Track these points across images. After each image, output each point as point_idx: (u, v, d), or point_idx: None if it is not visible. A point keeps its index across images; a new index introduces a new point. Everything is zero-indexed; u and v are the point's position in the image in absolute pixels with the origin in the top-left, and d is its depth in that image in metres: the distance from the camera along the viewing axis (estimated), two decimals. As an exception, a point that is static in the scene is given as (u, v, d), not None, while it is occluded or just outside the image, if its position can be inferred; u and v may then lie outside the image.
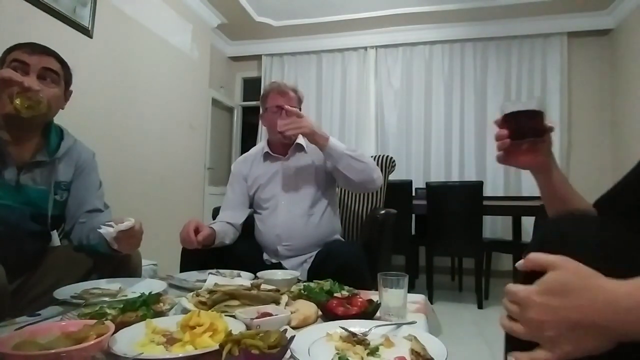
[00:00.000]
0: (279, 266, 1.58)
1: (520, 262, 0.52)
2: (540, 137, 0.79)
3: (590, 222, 0.56)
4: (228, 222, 1.64)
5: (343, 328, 0.84)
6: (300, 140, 1.70)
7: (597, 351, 0.44)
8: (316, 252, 1.59)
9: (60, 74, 1.25)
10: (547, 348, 0.46)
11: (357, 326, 0.86)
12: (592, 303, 0.44)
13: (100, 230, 1.13)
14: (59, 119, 1.34)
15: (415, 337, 0.78)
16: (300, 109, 1.64)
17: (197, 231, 1.42)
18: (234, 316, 0.90)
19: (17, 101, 1.08)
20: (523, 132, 0.80)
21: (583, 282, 0.46)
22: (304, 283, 1.21)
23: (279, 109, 1.61)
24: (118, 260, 1.26)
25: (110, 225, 1.13)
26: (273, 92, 1.67)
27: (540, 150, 0.82)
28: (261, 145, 1.78)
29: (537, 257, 0.49)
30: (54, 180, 1.26)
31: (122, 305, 0.90)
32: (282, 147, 1.71)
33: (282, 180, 1.68)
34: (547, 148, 0.83)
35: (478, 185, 3.14)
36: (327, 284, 1.14)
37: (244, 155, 1.85)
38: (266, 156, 1.74)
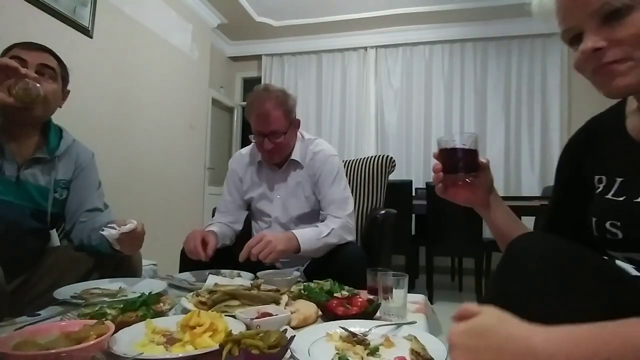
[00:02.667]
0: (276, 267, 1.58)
1: (457, 312, 0.53)
2: (472, 173, 0.81)
3: (546, 237, 0.57)
4: (226, 225, 1.63)
5: (343, 328, 0.84)
6: (296, 155, 1.59)
7: None
8: None
9: (57, 71, 1.26)
10: None
11: (357, 326, 0.86)
12: (507, 346, 0.45)
13: (103, 233, 1.13)
14: (59, 118, 1.35)
15: (415, 337, 0.78)
16: (295, 115, 1.56)
17: (203, 242, 1.40)
18: (234, 316, 0.90)
19: (16, 89, 1.08)
20: (455, 168, 0.81)
21: (502, 325, 0.46)
22: (304, 283, 1.21)
23: (260, 134, 1.50)
24: (118, 260, 1.26)
25: (113, 227, 1.13)
26: (253, 115, 1.50)
27: (478, 187, 0.83)
28: (256, 150, 1.66)
29: (469, 306, 0.51)
30: (53, 178, 1.27)
31: (122, 305, 0.90)
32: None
33: (276, 197, 1.62)
34: (486, 184, 0.84)
35: (478, 185, 3.14)
36: (327, 284, 1.14)
37: (240, 152, 1.75)
38: (261, 165, 1.65)
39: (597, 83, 0.62)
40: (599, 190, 0.72)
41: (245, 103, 5.65)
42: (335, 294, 1.05)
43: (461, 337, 0.49)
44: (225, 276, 1.31)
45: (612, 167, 0.72)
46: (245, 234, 1.70)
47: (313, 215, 1.60)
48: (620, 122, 0.73)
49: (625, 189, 0.68)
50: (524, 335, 0.44)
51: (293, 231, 1.44)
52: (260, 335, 0.68)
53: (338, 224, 1.48)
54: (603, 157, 0.74)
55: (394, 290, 1.00)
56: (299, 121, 1.61)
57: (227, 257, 1.52)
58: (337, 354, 0.73)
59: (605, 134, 0.75)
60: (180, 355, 0.71)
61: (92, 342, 0.67)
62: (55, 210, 1.29)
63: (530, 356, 0.43)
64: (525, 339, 0.44)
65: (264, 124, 1.48)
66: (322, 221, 1.53)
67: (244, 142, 5.32)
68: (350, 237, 1.52)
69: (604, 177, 0.72)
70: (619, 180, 0.70)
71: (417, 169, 4.57)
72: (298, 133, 1.64)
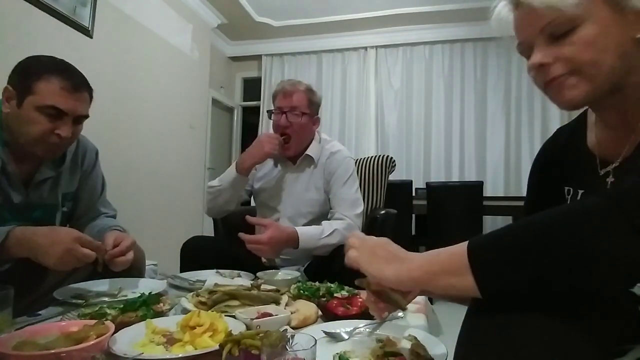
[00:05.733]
0: (276, 267, 1.58)
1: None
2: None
3: None
4: None
5: (325, 332, 0.84)
6: (312, 151, 1.61)
7: (389, 275, 0.61)
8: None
9: (88, 114, 1.17)
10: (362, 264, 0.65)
11: (341, 327, 0.85)
12: (397, 247, 0.66)
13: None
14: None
15: (415, 337, 0.78)
16: (317, 111, 1.60)
17: None
18: (234, 316, 0.89)
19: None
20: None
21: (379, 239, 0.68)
22: (304, 283, 1.21)
23: (279, 110, 1.55)
24: None
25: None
26: (279, 94, 1.58)
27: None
28: None
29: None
30: (60, 193, 1.24)
31: (122, 305, 0.90)
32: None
33: (287, 192, 1.62)
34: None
35: (478, 185, 3.14)
36: (324, 287, 1.13)
37: None
38: (275, 160, 1.66)
39: (550, 96, 0.64)
40: (568, 202, 0.73)
41: (245, 103, 5.67)
42: (335, 294, 1.05)
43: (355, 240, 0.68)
44: (225, 276, 1.31)
45: (575, 179, 0.73)
46: (247, 231, 1.70)
47: (322, 214, 1.61)
48: (582, 133, 0.74)
49: None
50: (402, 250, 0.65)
51: (297, 228, 1.44)
52: (260, 335, 0.68)
53: (343, 225, 1.49)
54: (568, 169, 0.75)
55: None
56: (319, 119, 1.63)
57: (226, 257, 1.52)
58: (337, 354, 0.73)
59: (570, 145, 0.76)
60: (180, 355, 0.71)
61: (92, 342, 0.67)
62: (63, 222, 1.27)
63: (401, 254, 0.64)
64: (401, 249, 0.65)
65: (286, 100, 1.54)
66: (329, 220, 1.54)
67: (244, 142, 5.32)
68: (354, 230, 1.52)
69: (570, 189, 0.73)
70: (580, 192, 0.70)
71: (417, 169, 4.56)
72: (316, 133, 1.66)
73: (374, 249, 0.65)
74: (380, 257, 0.63)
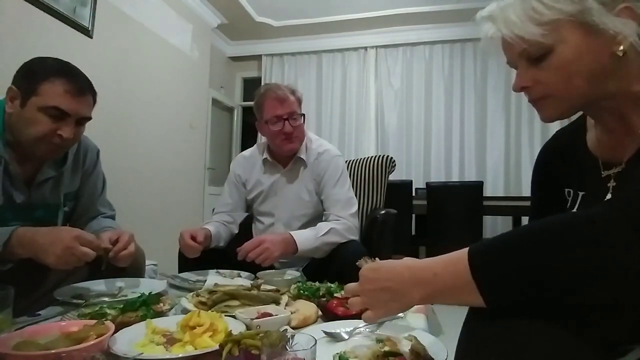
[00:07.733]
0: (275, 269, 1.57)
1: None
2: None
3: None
4: (224, 224, 1.62)
5: (325, 332, 0.84)
6: (302, 153, 1.59)
7: (398, 311, 0.63)
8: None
9: (91, 117, 1.17)
10: (372, 310, 0.65)
11: (341, 327, 0.86)
12: (390, 274, 0.61)
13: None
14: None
15: (415, 337, 0.78)
16: (300, 110, 1.58)
17: (193, 238, 1.40)
18: (234, 316, 0.90)
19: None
20: None
21: (385, 262, 0.65)
22: (304, 283, 1.21)
23: (279, 119, 1.49)
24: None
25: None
26: (270, 100, 1.51)
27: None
28: (261, 147, 1.69)
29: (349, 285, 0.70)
30: (62, 193, 1.24)
31: (122, 305, 0.90)
32: (284, 157, 1.61)
33: (280, 195, 1.61)
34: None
35: (478, 185, 3.14)
36: (324, 286, 1.13)
37: (243, 154, 1.74)
38: (266, 163, 1.64)
39: (536, 110, 0.70)
40: (569, 204, 0.73)
41: (245, 103, 5.66)
42: (335, 294, 1.05)
43: (363, 277, 0.66)
44: (225, 276, 1.31)
45: (575, 181, 0.73)
46: (245, 234, 1.70)
47: (316, 215, 1.60)
48: (581, 135, 0.74)
49: (586, 204, 0.68)
50: (403, 264, 0.62)
51: (291, 232, 1.44)
52: (260, 335, 0.68)
53: (339, 224, 1.48)
54: (569, 170, 0.75)
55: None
56: (304, 115, 1.60)
57: (224, 257, 1.52)
58: (337, 354, 0.73)
59: (570, 146, 0.77)
60: (180, 355, 0.71)
61: (92, 342, 0.67)
62: (64, 222, 1.28)
63: (399, 278, 0.60)
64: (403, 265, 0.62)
65: (282, 107, 1.50)
66: (325, 221, 1.53)
67: (244, 142, 5.32)
68: (353, 237, 1.51)
69: (571, 191, 0.74)
70: (580, 194, 0.71)
71: (417, 169, 4.57)
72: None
73: (375, 292, 0.64)
74: (385, 297, 0.62)
